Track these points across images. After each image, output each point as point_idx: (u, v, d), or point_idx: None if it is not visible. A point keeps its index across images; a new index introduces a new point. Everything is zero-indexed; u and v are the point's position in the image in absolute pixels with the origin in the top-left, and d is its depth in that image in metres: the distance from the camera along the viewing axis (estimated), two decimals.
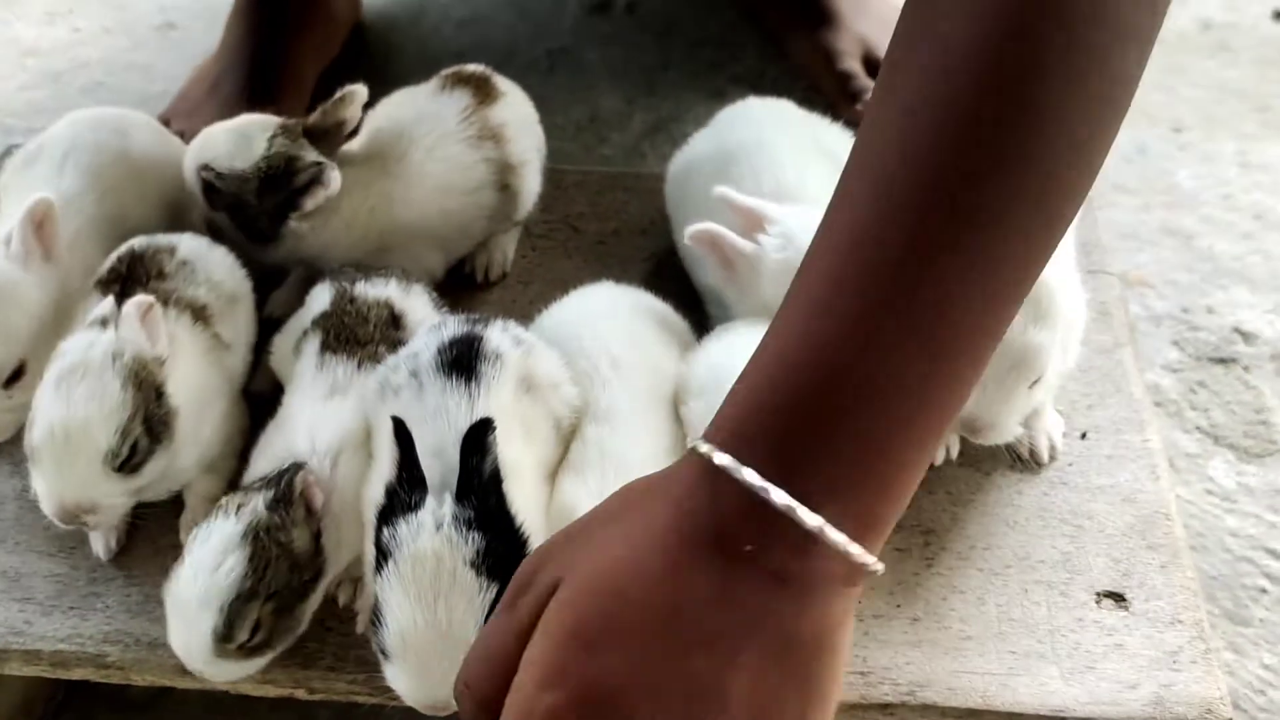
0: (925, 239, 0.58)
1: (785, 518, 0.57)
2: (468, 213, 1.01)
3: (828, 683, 0.60)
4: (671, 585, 0.58)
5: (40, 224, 0.90)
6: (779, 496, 0.57)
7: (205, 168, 0.97)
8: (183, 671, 0.82)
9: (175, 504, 0.89)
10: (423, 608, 0.70)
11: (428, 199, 0.98)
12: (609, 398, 0.85)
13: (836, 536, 0.57)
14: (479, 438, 0.73)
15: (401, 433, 0.74)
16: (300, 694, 0.82)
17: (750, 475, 0.58)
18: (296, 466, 0.78)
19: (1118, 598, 0.84)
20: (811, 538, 0.57)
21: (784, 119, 1.04)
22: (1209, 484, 1.19)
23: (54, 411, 0.80)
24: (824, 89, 1.50)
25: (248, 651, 0.75)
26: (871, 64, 1.52)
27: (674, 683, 0.57)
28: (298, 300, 0.97)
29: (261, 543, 0.75)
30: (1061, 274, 0.85)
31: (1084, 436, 0.93)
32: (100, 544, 0.87)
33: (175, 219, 1.01)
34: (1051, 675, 0.80)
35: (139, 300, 0.83)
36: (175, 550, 0.87)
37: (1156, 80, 1.58)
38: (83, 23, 1.68)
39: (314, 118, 0.96)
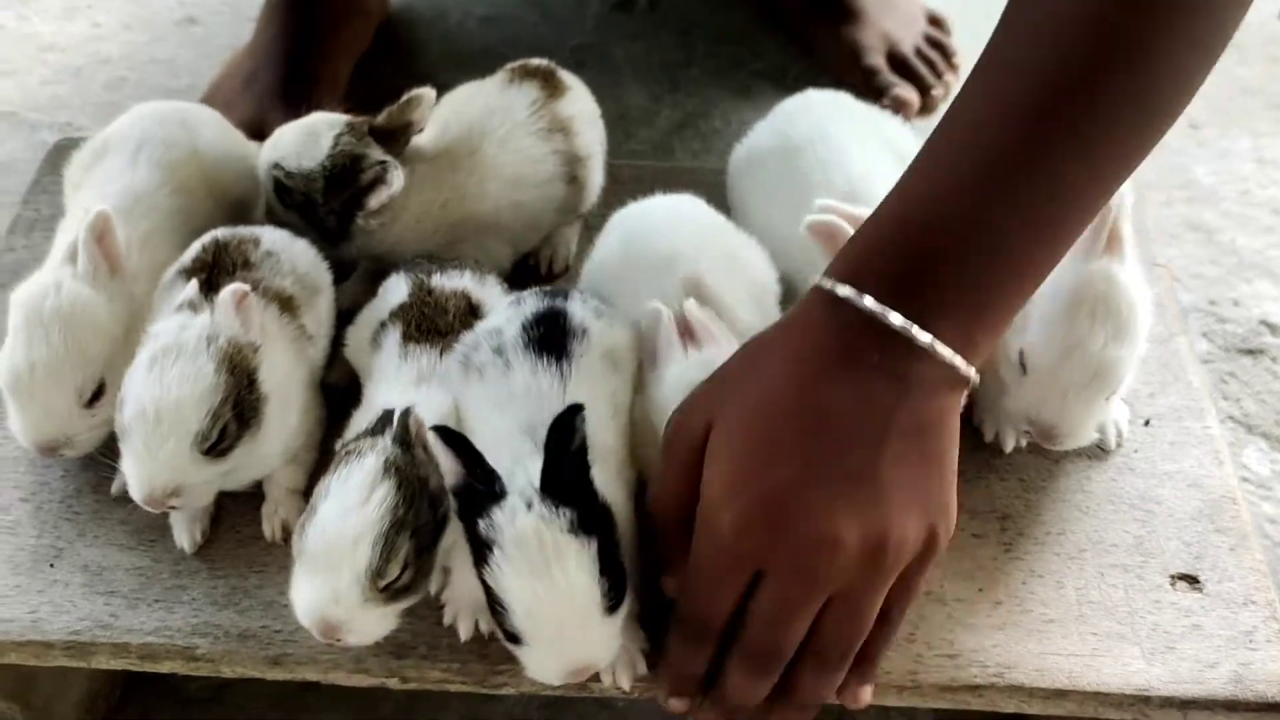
0: (1046, 128, 0.70)
1: (902, 335, 0.70)
2: (538, 205, 1.01)
3: (950, 458, 0.74)
4: (814, 399, 0.71)
5: (101, 238, 0.88)
6: (896, 318, 0.70)
7: (275, 166, 0.97)
8: (273, 663, 0.83)
9: (255, 496, 0.89)
10: (539, 579, 0.71)
11: (500, 192, 0.99)
12: None
13: (945, 350, 0.71)
14: (567, 426, 0.74)
15: (451, 437, 0.74)
16: (393, 683, 0.82)
17: (870, 301, 0.70)
18: (406, 410, 0.78)
19: (1191, 580, 0.86)
20: (925, 351, 0.70)
21: (847, 111, 1.06)
22: (1244, 472, 1.21)
23: (146, 391, 0.80)
24: (849, 85, 1.52)
25: (392, 594, 0.74)
26: (895, 60, 1.54)
27: (836, 476, 0.70)
28: (365, 292, 0.98)
29: (404, 473, 0.75)
30: (1138, 282, 0.87)
31: (1147, 424, 0.95)
32: (185, 537, 0.87)
33: (240, 216, 1.00)
34: (1134, 656, 0.82)
35: (235, 287, 0.83)
36: (258, 542, 0.88)
37: None
38: (102, 18, 1.67)
39: (381, 118, 0.96)
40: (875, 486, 0.69)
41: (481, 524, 0.72)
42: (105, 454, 0.89)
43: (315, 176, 0.95)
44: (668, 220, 0.93)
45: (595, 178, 1.05)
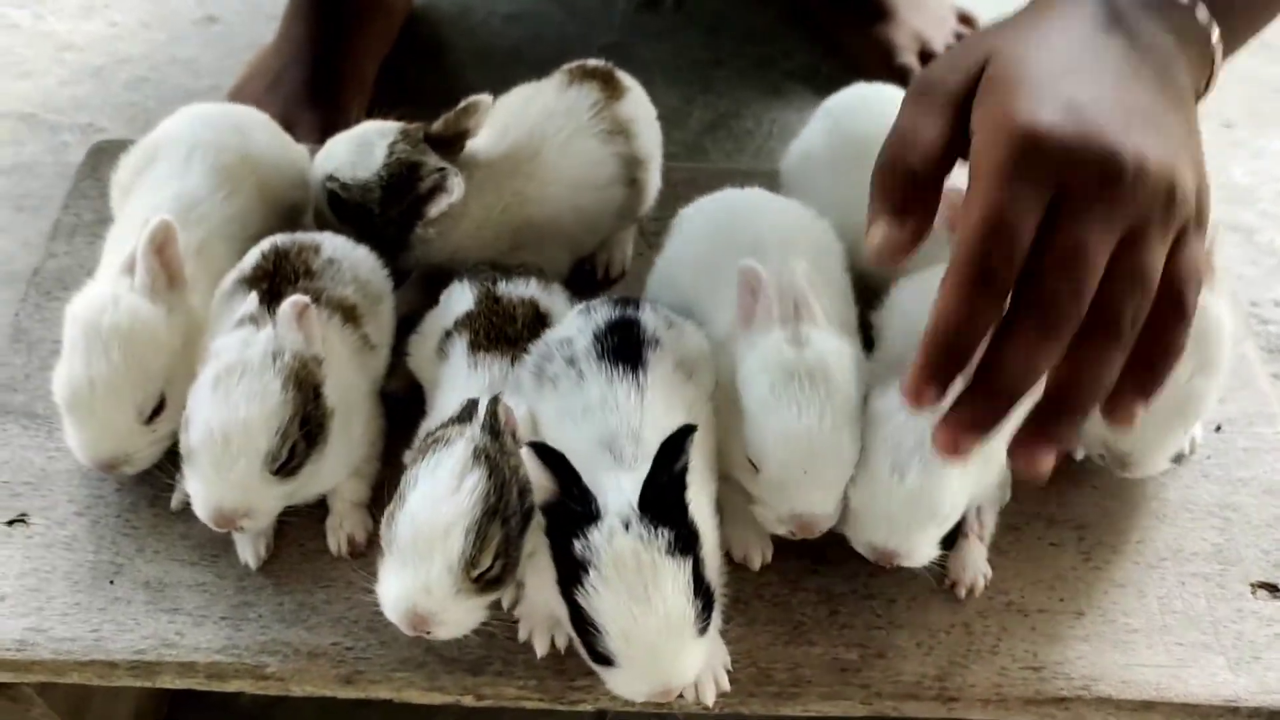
0: None
1: (1183, 8, 0.74)
2: (597, 209, 0.99)
3: (1195, 130, 0.72)
4: (1098, 41, 0.71)
5: (162, 249, 0.85)
6: None
7: (330, 178, 0.94)
8: (345, 681, 0.81)
9: (317, 509, 0.87)
10: (636, 602, 0.69)
11: (561, 196, 0.97)
12: None
13: (1213, 32, 0.75)
14: (677, 446, 0.72)
15: (547, 454, 0.72)
16: (468, 701, 0.81)
17: None
18: (495, 398, 0.76)
19: (1272, 589, 0.85)
20: (1197, 31, 0.74)
21: None
22: None
23: (213, 413, 0.78)
24: None
25: (484, 585, 0.72)
26: (927, 59, 1.52)
27: (1130, 105, 0.68)
28: (420, 299, 0.96)
29: (494, 461, 0.73)
30: (1226, 312, 0.85)
31: (1218, 429, 0.94)
32: (249, 552, 0.85)
33: (291, 222, 0.98)
34: (1219, 666, 0.81)
35: (295, 300, 0.81)
36: (323, 557, 0.86)
37: None
38: (119, 16, 1.64)
39: (437, 126, 0.94)
40: (1162, 124, 0.68)
41: (577, 544, 0.70)
42: (160, 467, 0.87)
43: (371, 187, 0.92)
44: (754, 209, 0.91)
45: (654, 180, 1.03)
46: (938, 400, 0.66)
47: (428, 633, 0.73)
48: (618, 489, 0.72)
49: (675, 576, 0.70)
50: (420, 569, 0.71)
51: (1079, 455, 0.91)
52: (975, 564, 0.84)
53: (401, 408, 0.91)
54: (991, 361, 0.66)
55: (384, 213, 0.93)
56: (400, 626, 0.73)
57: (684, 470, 0.73)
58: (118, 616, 0.83)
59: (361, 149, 0.94)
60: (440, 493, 0.72)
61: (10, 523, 0.88)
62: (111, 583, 0.85)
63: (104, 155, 1.10)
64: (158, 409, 0.84)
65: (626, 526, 0.70)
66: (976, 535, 0.85)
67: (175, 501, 0.87)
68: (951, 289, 0.66)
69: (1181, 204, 0.67)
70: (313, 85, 1.40)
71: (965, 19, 1.58)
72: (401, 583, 0.72)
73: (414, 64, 1.58)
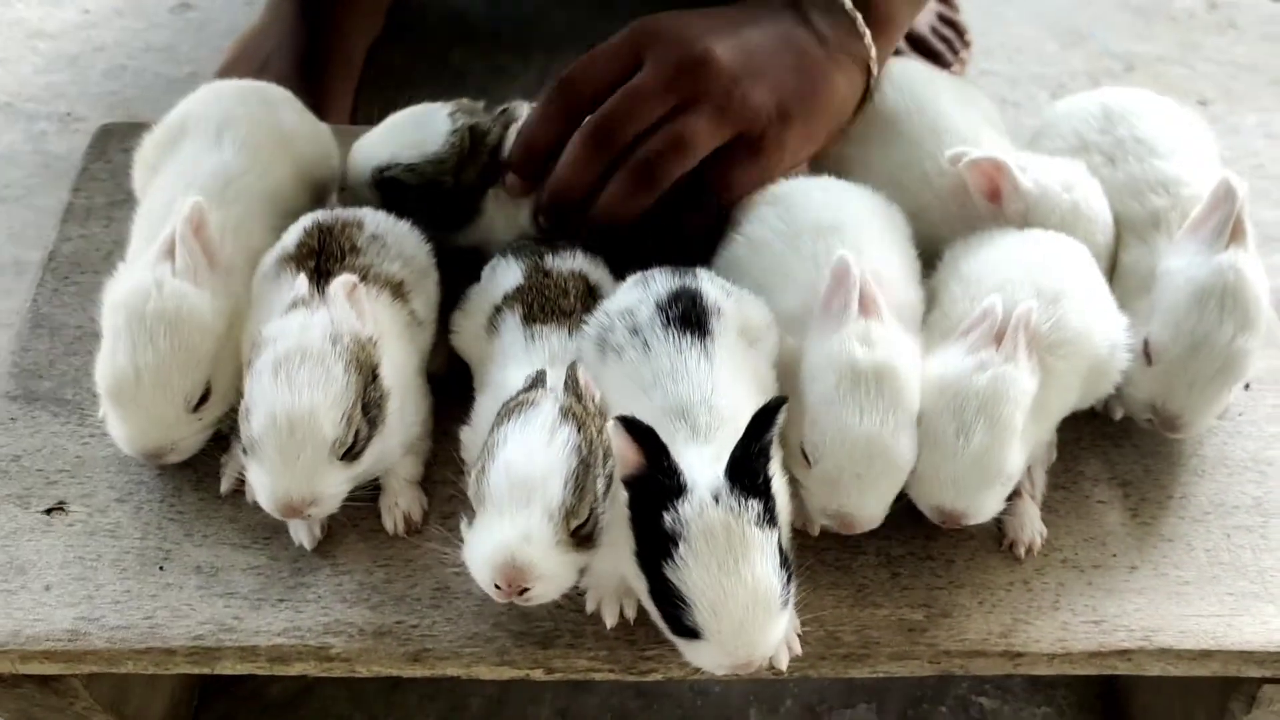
0: None
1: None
2: None
3: (824, 93, 0.94)
4: (740, 13, 0.94)
5: (199, 229, 0.83)
6: None
7: (388, 168, 0.92)
8: (413, 659, 0.80)
9: (371, 488, 0.85)
10: (726, 574, 0.69)
11: None
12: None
13: (854, 13, 0.96)
14: (769, 417, 0.72)
15: (636, 428, 0.71)
16: (538, 675, 0.80)
17: None
18: (573, 364, 0.76)
19: None
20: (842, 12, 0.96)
21: (930, 79, 1.04)
22: None
23: (276, 400, 0.75)
24: None
25: (579, 541, 0.71)
26: (912, 38, 1.54)
27: (723, 27, 0.92)
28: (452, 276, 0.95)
29: (580, 419, 0.73)
30: (1261, 272, 0.87)
31: (1247, 387, 0.96)
32: (304, 534, 0.83)
33: (321, 199, 0.96)
34: (1270, 614, 0.83)
35: (344, 279, 0.79)
36: (378, 535, 0.85)
37: (1176, 56, 1.64)
38: (91, 4, 1.59)
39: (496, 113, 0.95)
40: (745, 45, 0.90)
41: (666, 517, 0.70)
42: (203, 449, 0.85)
43: (444, 158, 0.92)
44: (827, 194, 0.91)
45: None
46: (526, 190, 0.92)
47: (521, 592, 0.70)
48: (701, 461, 0.72)
49: (763, 549, 0.70)
50: (519, 517, 0.70)
51: (1116, 416, 0.93)
52: (1032, 523, 0.85)
53: (442, 387, 0.90)
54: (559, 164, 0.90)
55: (458, 180, 0.92)
56: (492, 586, 0.71)
57: (770, 442, 0.73)
58: (171, 603, 0.81)
59: (419, 127, 0.93)
60: (534, 445, 0.71)
61: (48, 511, 0.85)
62: (161, 569, 0.83)
63: (111, 138, 1.08)
64: (204, 396, 0.82)
65: (716, 499, 0.70)
66: (1029, 495, 0.86)
67: (225, 485, 0.85)
68: (535, 111, 0.92)
69: (742, 105, 0.88)
70: (301, 68, 1.37)
71: None
72: (499, 533, 0.70)
73: (399, 48, 1.56)
